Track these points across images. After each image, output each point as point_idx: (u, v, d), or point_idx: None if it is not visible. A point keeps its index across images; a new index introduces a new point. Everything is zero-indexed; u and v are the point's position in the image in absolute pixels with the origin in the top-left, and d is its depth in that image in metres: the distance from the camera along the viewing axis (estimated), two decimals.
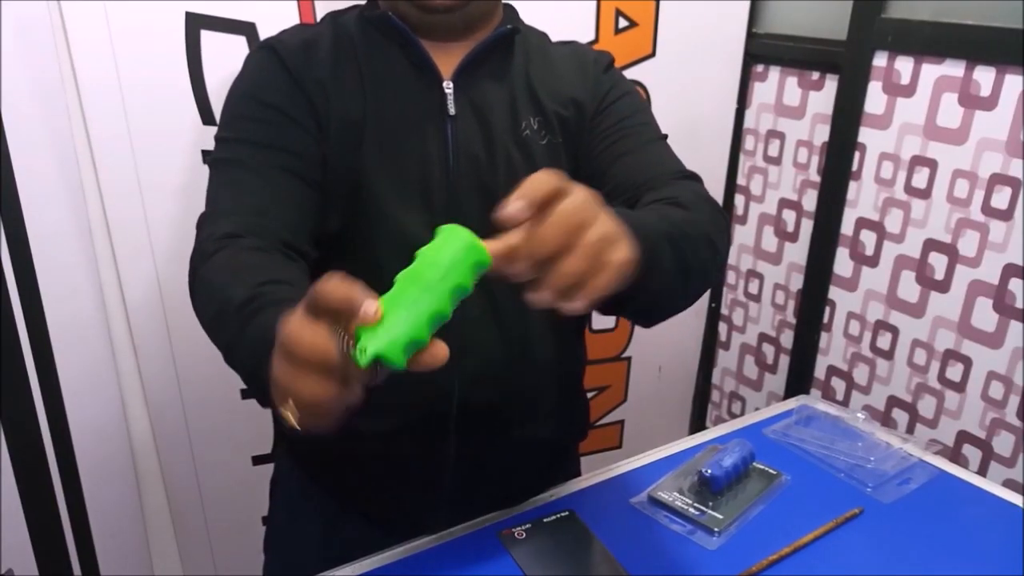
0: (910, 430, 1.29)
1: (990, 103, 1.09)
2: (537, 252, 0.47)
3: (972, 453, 1.20)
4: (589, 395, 1.56)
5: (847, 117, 1.28)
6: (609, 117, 0.84)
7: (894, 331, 1.29)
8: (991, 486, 0.99)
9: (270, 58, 0.80)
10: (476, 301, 0.81)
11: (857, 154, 1.29)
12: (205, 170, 0.78)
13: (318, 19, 1.10)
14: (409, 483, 0.88)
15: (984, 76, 1.09)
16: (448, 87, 0.79)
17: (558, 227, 0.47)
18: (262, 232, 0.71)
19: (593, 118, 0.85)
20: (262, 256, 0.68)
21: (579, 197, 0.48)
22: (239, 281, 0.63)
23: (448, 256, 0.46)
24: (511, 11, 0.88)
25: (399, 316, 0.45)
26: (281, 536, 0.99)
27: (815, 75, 1.35)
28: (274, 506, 1.01)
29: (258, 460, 1.32)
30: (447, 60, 0.80)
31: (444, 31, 0.81)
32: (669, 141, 0.86)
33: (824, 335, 1.41)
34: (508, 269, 0.48)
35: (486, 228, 0.48)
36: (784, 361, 1.52)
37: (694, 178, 0.80)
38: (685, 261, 0.64)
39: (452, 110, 0.79)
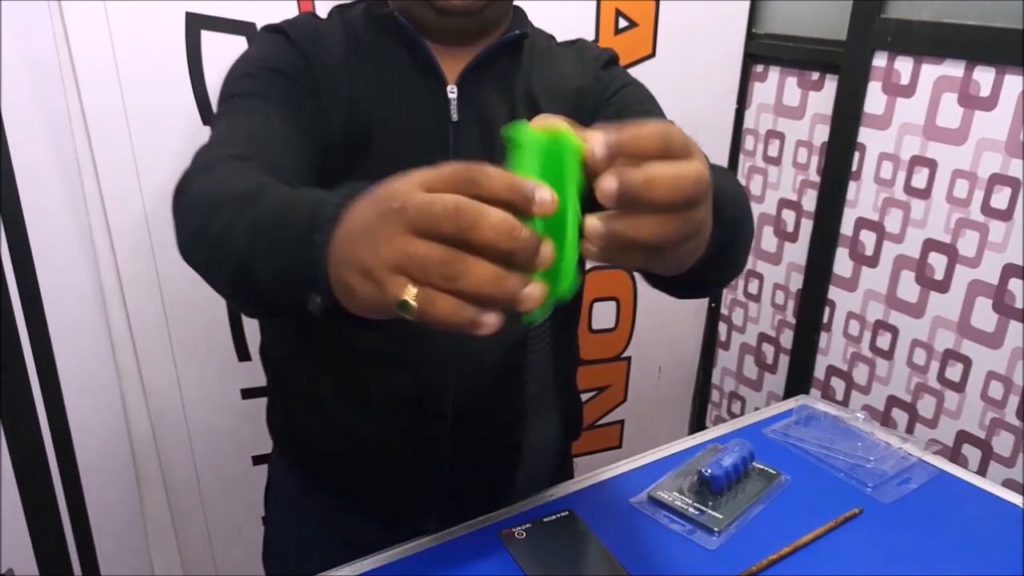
0: (910, 430, 1.29)
1: (990, 103, 1.09)
2: (635, 149, 0.45)
3: (972, 453, 1.20)
4: (589, 395, 1.57)
5: (847, 117, 1.28)
6: (615, 104, 0.84)
7: (894, 331, 1.29)
8: (991, 486, 0.99)
9: (280, 37, 0.78)
10: None
11: (857, 154, 1.29)
12: None
13: None
14: (404, 482, 0.88)
15: (984, 76, 1.09)
16: (452, 92, 0.78)
17: (659, 138, 0.45)
18: (267, 165, 0.65)
19: (597, 110, 0.84)
20: (269, 178, 0.62)
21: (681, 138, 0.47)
22: (240, 179, 0.58)
23: (555, 164, 0.44)
24: (520, 14, 0.87)
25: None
26: (278, 536, 0.99)
27: (815, 75, 1.35)
28: (270, 507, 1.01)
29: (258, 460, 1.32)
30: (452, 64, 0.78)
31: (457, 35, 0.79)
32: None
33: (824, 335, 1.41)
34: (595, 160, 0.45)
35: None
36: (784, 361, 1.52)
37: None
38: (740, 210, 0.62)
39: (455, 116, 0.78)
